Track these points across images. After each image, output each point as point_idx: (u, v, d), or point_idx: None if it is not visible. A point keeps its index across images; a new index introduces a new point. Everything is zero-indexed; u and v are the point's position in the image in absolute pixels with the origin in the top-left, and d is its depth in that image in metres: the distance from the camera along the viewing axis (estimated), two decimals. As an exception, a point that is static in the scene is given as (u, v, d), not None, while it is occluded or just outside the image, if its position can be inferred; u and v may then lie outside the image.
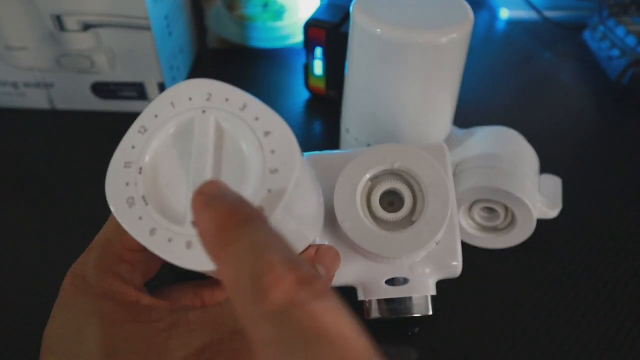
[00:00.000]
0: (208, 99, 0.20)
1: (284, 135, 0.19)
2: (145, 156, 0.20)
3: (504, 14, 0.65)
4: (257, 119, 0.20)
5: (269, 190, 0.18)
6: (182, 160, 0.20)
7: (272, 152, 0.19)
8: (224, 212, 0.15)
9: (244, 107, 0.20)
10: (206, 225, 0.15)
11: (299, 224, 0.21)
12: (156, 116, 0.21)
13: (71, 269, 0.22)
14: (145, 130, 0.21)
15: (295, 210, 0.20)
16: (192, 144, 0.20)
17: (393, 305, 0.27)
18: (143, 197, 0.20)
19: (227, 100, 0.20)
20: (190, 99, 0.20)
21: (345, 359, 0.12)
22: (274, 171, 0.19)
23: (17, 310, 0.31)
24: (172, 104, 0.21)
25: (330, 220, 0.25)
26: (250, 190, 0.19)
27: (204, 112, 0.20)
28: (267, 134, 0.19)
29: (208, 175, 0.19)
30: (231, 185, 0.19)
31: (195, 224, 0.16)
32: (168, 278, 0.25)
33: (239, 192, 0.17)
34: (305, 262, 0.14)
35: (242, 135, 0.20)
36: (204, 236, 0.16)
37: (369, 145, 0.36)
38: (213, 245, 0.15)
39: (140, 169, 0.20)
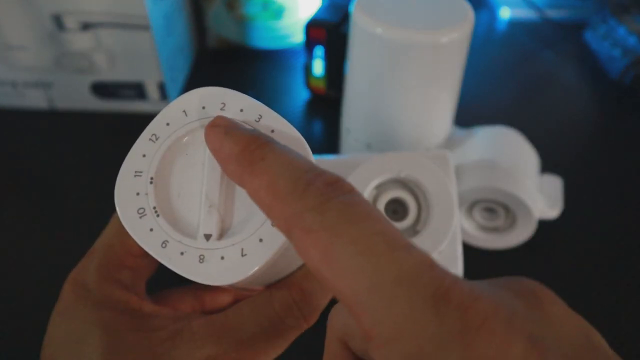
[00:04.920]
0: (222, 109, 0.20)
1: (300, 149, 0.19)
2: (156, 166, 0.20)
3: (505, 13, 0.65)
4: (272, 131, 0.19)
5: None
6: (195, 171, 0.20)
7: None
8: (245, 136, 0.17)
9: (259, 118, 0.20)
10: (228, 150, 0.17)
11: None
12: (168, 124, 0.20)
13: (71, 275, 0.22)
14: (157, 138, 0.20)
15: None
16: (205, 154, 0.19)
17: None
18: (154, 208, 0.19)
19: (241, 110, 0.20)
20: (204, 108, 0.20)
21: (393, 235, 0.14)
22: None
23: (15, 313, 0.31)
24: (185, 111, 0.20)
25: None
26: None
27: None
28: None
29: (221, 187, 0.19)
30: (244, 197, 0.19)
31: (213, 153, 0.17)
32: (167, 281, 0.25)
33: (252, 205, 0.18)
34: (328, 173, 0.16)
35: None
36: (227, 161, 0.17)
37: (369, 144, 0.35)
38: (240, 165, 0.16)
39: (151, 178, 0.20)
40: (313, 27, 0.43)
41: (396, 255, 0.13)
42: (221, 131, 0.17)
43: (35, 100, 0.45)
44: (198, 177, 0.20)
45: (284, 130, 0.19)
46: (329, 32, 0.43)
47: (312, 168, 0.15)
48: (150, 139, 0.20)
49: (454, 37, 0.30)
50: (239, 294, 0.25)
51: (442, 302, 0.12)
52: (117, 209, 0.19)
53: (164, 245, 0.19)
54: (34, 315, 0.30)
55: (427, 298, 0.12)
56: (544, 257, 0.35)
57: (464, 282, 0.13)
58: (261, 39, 0.53)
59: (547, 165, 0.39)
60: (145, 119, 0.21)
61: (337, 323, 0.18)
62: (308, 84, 0.48)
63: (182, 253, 0.18)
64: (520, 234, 0.34)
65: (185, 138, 0.20)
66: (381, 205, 0.25)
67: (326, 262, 0.14)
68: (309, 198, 0.14)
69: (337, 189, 0.15)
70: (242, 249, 0.18)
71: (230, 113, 0.20)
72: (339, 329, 0.18)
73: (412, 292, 0.12)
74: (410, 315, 0.12)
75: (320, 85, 0.47)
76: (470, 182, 0.33)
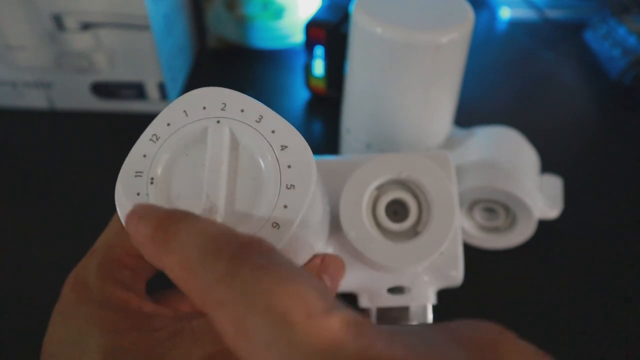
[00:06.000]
0: (223, 109, 0.20)
1: (300, 150, 0.19)
2: (157, 166, 0.20)
3: (505, 13, 0.65)
4: (273, 131, 0.19)
5: (285, 206, 0.18)
6: (195, 172, 0.20)
7: (289, 166, 0.19)
8: (159, 216, 0.16)
9: (260, 118, 0.20)
10: (142, 233, 0.16)
11: (306, 234, 0.21)
12: (168, 124, 0.20)
13: (71, 275, 0.22)
14: (157, 139, 0.20)
15: (306, 222, 0.20)
16: (206, 155, 0.19)
17: (392, 314, 0.27)
18: None
19: (242, 111, 0.20)
20: (204, 108, 0.20)
21: (312, 296, 0.12)
22: (291, 187, 0.18)
23: (15, 313, 0.31)
24: (185, 112, 0.20)
25: (335, 228, 0.25)
26: (265, 204, 0.18)
27: (218, 122, 0.20)
28: (283, 147, 0.19)
29: (222, 188, 0.19)
30: (245, 198, 0.19)
31: (133, 242, 0.17)
32: (167, 281, 0.25)
33: (253, 206, 0.18)
34: (241, 235, 0.14)
35: (257, 148, 0.19)
36: (144, 245, 0.16)
37: (369, 144, 0.35)
38: (155, 245, 0.15)
39: (152, 179, 0.20)
40: (313, 27, 0.43)
41: (313, 322, 0.12)
42: (135, 217, 0.16)
43: (35, 100, 0.45)
44: (199, 178, 0.20)
45: (284, 131, 0.19)
46: (329, 32, 0.43)
47: (225, 232, 0.14)
48: (150, 139, 0.20)
49: (454, 37, 0.30)
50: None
51: None
52: (118, 209, 0.19)
53: None
54: (34, 315, 0.30)
55: None
56: (544, 257, 0.35)
57: (400, 340, 0.11)
58: (261, 39, 0.53)
59: (547, 165, 0.39)
60: (145, 119, 0.21)
61: None
62: (308, 84, 0.48)
63: None
64: (520, 234, 0.34)
65: (186, 139, 0.20)
66: (382, 206, 0.25)
67: (241, 336, 0.12)
68: (219, 266, 0.13)
69: (250, 251, 0.13)
70: None
71: (231, 113, 0.20)
72: None
73: None
74: None
75: (320, 85, 0.47)
76: (470, 182, 0.33)
